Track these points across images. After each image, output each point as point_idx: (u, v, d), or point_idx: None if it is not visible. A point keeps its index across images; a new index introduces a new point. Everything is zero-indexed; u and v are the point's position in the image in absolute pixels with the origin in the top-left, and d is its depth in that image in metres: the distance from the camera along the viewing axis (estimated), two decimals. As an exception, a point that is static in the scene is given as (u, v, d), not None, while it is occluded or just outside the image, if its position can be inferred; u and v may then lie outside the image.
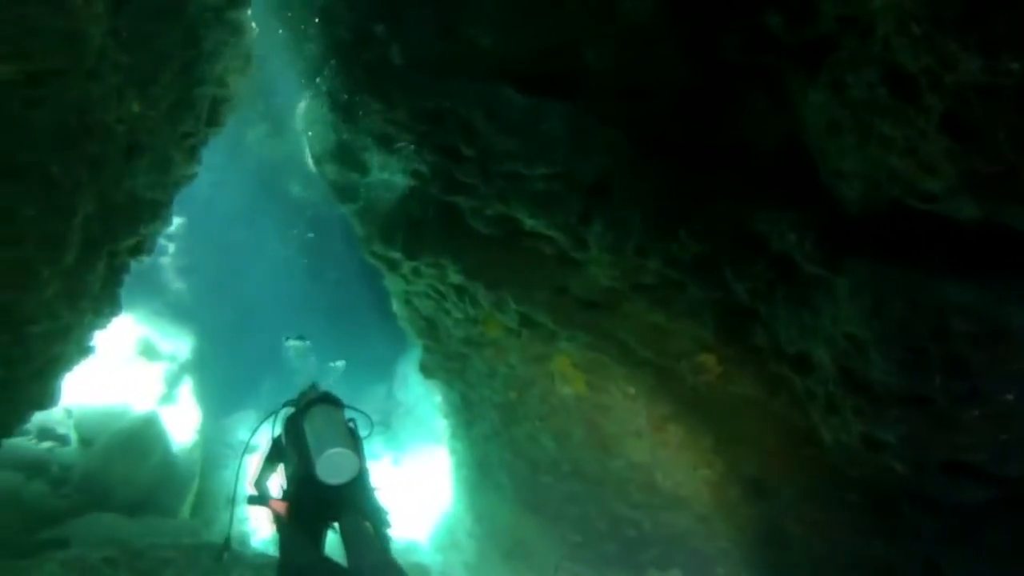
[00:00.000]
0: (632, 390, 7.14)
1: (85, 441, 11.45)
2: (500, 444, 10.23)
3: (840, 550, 5.55)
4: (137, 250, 6.98)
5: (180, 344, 16.46)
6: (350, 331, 20.94)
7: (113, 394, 12.57)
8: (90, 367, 12.55)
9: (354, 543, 4.38)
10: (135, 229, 6.22)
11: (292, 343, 7.15)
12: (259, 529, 13.98)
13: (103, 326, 7.47)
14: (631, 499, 8.28)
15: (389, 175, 7.63)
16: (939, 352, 3.92)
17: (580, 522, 9.17)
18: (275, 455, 5.18)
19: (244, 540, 13.20)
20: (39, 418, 11.29)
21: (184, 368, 15.81)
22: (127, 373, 13.61)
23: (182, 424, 13.90)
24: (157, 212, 6.88)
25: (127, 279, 7.67)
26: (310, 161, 9.76)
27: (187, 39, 6.61)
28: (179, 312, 17.71)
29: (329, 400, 5.10)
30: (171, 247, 18.59)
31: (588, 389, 7.53)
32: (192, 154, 8.48)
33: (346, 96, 6.71)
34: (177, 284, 18.48)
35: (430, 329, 10.02)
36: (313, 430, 4.68)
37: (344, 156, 7.91)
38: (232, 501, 5.65)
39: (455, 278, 8.01)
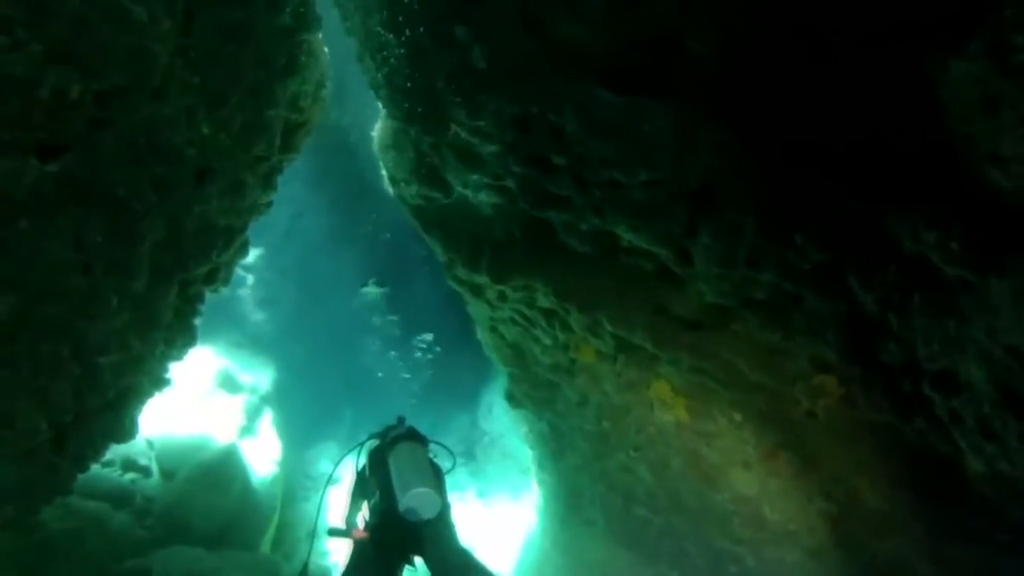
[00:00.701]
0: (739, 416, 6.55)
1: (166, 473, 11.46)
2: (591, 476, 9.76)
3: (981, 594, 4.86)
4: (212, 279, 6.77)
5: (260, 376, 16.46)
6: (433, 359, 20.73)
7: (194, 426, 12.57)
8: (170, 399, 12.65)
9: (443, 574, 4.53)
10: (208, 257, 5.98)
11: (369, 289, 6.83)
12: (340, 564, 13.74)
13: (178, 358, 7.27)
14: (734, 533, 7.64)
15: (473, 193, 7.19)
16: None
17: (678, 558, 8.61)
18: (359, 488, 5.33)
19: (324, 575, 12.99)
20: (122, 449, 11.44)
21: (264, 400, 15.78)
22: (207, 405, 13.63)
23: (262, 456, 13.80)
24: (231, 239, 6.66)
25: (204, 310, 7.53)
26: (388, 186, 9.48)
27: (258, 60, 6.40)
28: (259, 343, 17.75)
29: (414, 437, 5.23)
30: (250, 278, 18.72)
31: (689, 416, 6.96)
32: (267, 181, 8.32)
33: (426, 107, 6.32)
34: (257, 315, 18.56)
35: (516, 357, 9.60)
36: (397, 467, 4.81)
37: (424, 175, 7.47)
38: (312, 534, 5.94)
39: (544, 302, 7.57)
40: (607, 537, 9.92)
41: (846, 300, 4.59)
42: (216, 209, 6.01)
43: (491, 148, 6.08)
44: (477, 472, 18.15)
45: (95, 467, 11.11)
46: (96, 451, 5.41)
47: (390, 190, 9.53)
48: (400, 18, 5.99)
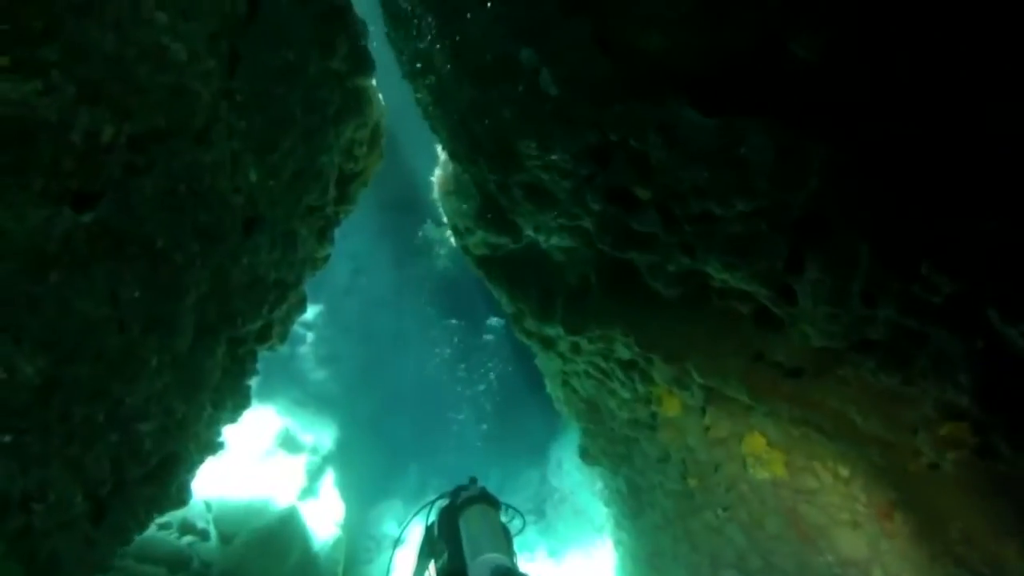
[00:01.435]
0: (845, 471, 5.82)
1: (225, 537, 11.09)
2: (675, 536, 9.03)
3: None
4: (265, 337, 6.36)
5: (322, 435, 16.10)
6: (501, 415, 20.18)
7: (254, 488, 12.22)
8: (230, 460, 12.37)
9: None
10: (258, 312, 5.57)
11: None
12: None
13: (231, 420, 6.87)
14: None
15: (545, 237, 6.61)
16: None
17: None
18: (427, 547, 5.25)
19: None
20: (180, 512, 11.13)
21: (327, 460, 15.39)
22: (268, 466, 13.28)
23: (324, 518, 13.33)
24: (284, 294, 6.26)
25: (263, 369, 7.18)
26: (451, 237, 9.06)
27: (308, 104, 6.08)
28: (321, 402, 17.43)
29: (486, 499, 5.11)
30: (310, 335, 18.50)
31: (787, 472, 6.22)
32: (323, 234, 8.01)
33: (492, 143, 5.80)
34: (318, 373, 18.25)
35: (591, 411, 9.00)
36: (469, 531, 4.73)
37: (491, 220, 6.91)
38: None
39: (624, 353, 6.96)
40: (694, 603, 9.16)
41: (983, 335, 3.89)
42: (266, 261, 5.62)
43: (566, 184, 5.49)
44: (547, 530, 17.33)
45: (152, 530, 10.85)
46: (140, 523, 4.97)
47: (452, 241, 9.12)
48: (459, 45, 5.53)
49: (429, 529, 5.39)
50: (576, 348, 7.88)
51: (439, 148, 8.54)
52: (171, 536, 10.57)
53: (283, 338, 8.26)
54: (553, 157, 5.20)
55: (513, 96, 5.12)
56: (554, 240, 6.49)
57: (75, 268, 3.92)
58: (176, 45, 4.21)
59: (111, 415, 4.25)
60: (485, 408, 20.73)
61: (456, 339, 21.25)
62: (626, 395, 8.02)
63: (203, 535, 11.00)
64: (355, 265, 19.96)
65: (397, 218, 20.09)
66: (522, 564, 5.41)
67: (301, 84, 5.93)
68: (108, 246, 4.07)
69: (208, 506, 11.44)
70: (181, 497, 5.95)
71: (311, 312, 17.99)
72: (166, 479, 5.01)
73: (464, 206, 7.43)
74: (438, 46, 5.90)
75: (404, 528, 6.31)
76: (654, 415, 7.74)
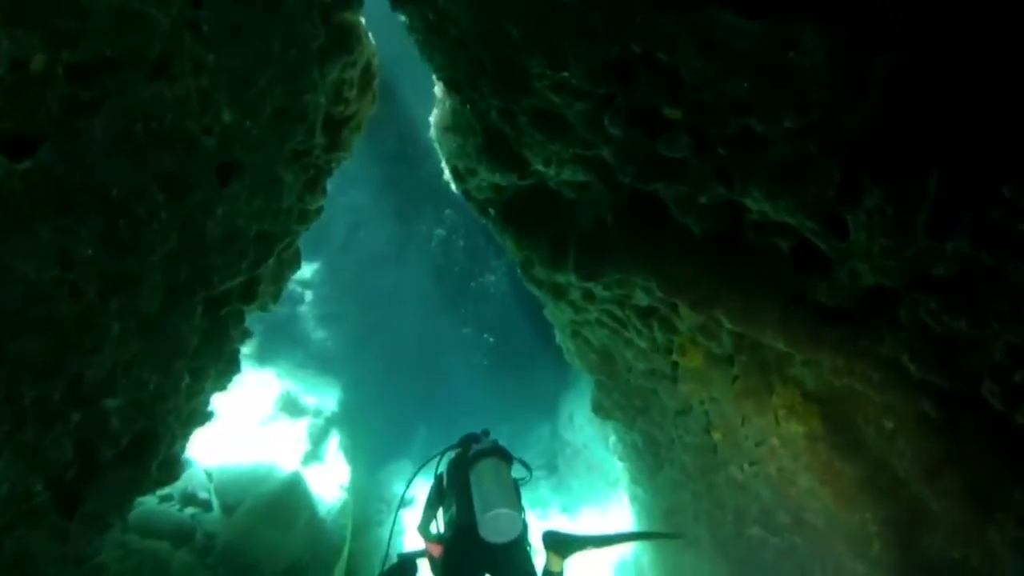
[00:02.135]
0: (891, 425, 5.25)
1: (227, 508, 10.72)
2: (696, 492, 8.63)
3: None
4: (250, 296, 5.79)
5: (325, 397, 15.65)
6: (509, 369, 19.73)
7: (256, 455, 11.84)
8: (230, 427, 11.95)
9: None
10: (237, 268, 4.98)
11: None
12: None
13: (220, 388, 6.36)
14: (873, 556, 6.35)
15: (555, 171, 5.92)
16: None
17: (801, 581, 7.37)
18: (436, 497, 5.30)
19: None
20: (181, 483, 10.79)
21: (331, 422, 14.95)
22: (270, 432, 12.88)
23: (330, 483, 12.95)
24: (269, 248, 5.67)
25: (261, 332, 6.65)
26: (451, 181, 8.43)
27: (288, 38, 5.43)
28: (323, 363, 16.93)
29: (498, 452, 5.07)
30: (308, 294, 17.92)
31: (824, 426, 5.69)
32: (315, 184, 7.41)
33: (495, 63, 5.05)
34: (319, 333, 17.70)
35: (605, 363, 8.47)
36: (480, 484, 4.69)
37: (494, 155, 6.20)
38: (384, 558, 5.48)
39: (643, 299, 6.36)
40: (717, 559, 8.84)
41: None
42: (246, 212, 5.02)
43: (580, 106, 4.77)
44: (560, 486, 16.99)
45: (153, 503, 10.48)
46: (119, 509, 4.47)
47: (453, 187, 8.50)
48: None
49: (439, 479, 5.38)
50: (589, 296, 7.31)
51: (437, 89, 7.88)
52: (173, 508, 10.25)
53: (276, 297, 7.72)
54: (565, 75, 4.50)
55: (519, 7, 4.44)
56: (566, 174, 5.80)
57: (14, 225, 3.35)
58: (121, -39, 3.58)
59: (70, 393, 3.72)
60: (483, 364, 20.31)
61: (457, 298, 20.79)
62: (643, 345, 7.48)
63: (206, 506, 10.67)
64: (354, 219, 19.30)
65: (397, 170, 19.39)
66: (535, 521, 5.31)
67: (279, 16, 5.27)
68: (53, 198, 3.49)
69: (209, 475, 11.10)
70: (168, 475, 5.47)
71: (309, 270, 17.43)
72: (144, 458, 4.49)
73: (464, 143, 6.76)
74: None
75: (409, 484, 6.16)
76: (675, 365, 7.20)
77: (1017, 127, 3.24)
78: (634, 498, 11.12)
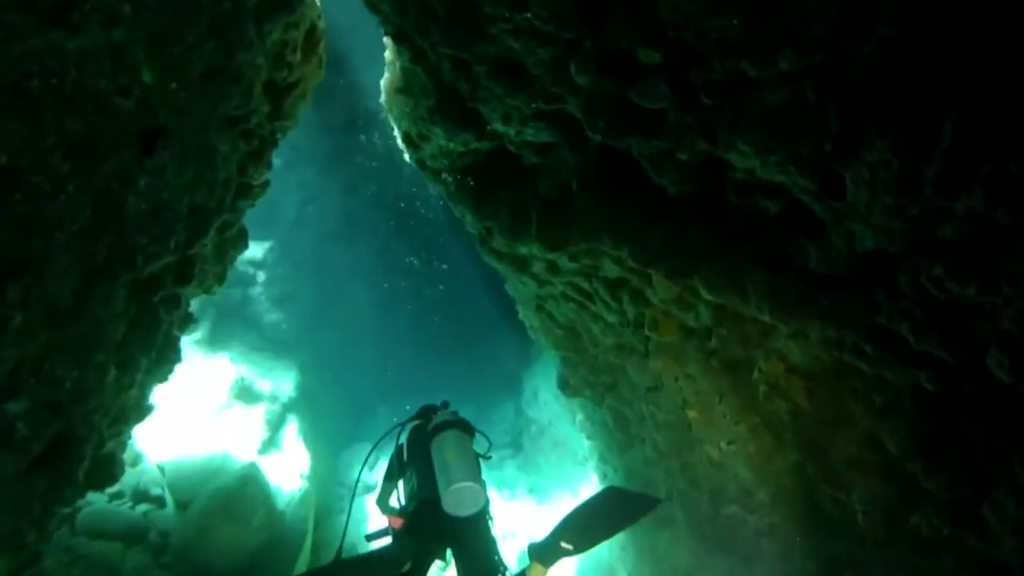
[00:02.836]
0: (880, 400, 4.93)
1: (181, 503, 10.19)
2: (669, 471, 8.29)
3: None
4: (185, 277, 5.25)
5: (282, 381, 15.05)
6: (471, 346, 19.30)
7: (210, 446, 11.30)
8: (181, 418, 11.38)
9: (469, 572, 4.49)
10: (165, 246, 4.44)
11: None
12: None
13: (161, 379, 5.83)
14: (859, 535, 6.10)
15: (516, 129, 5.33)
16: None
17: (785, 563, 7.10)
18: (396, 470, 5.21)
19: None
20: (132, 479, 10.32)
21: (288, 408, 14.41)
22: (224, 420, 12.31)
23: (288, 472, 12.44)
24: (204, 223, 5.13)
25: (213, 316, 6.13)
26: (403, 149, 7.92)
27: (217, -14, 4.88)
28: (278, 346, 16.28)
29: (461, 426, 4.99)
30: (260, 275, 17.19)
31: (810, 402, 5.35)
32: (259, 157, 6.87)
33: (446, 6, 4.46)
34: (272, 315, 17.00)
35: (570, 339, 8.09)
36: (442, 457, 4.62)
37: (448, 111, 5.63)
38: (339, 548, 5.20)
39: (612, 270, 5.93)
40: (692, 539, 8.55)
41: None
42: (175, 184, 4.47)
43: (543, 53, 4.23)
44: (526, 465, 16.60)
45: (103, 502, 9.90)
46: (37, 524, 3.94)
47: (407, 156, 8.00)
48: None
49: (398, 450, 5.26)
50: (554, 268, 6.88)
51: (387, 53, 7.34)
52: (124, 506, 9.78)
53: (221, 279, 7.18)
54: (527, 16, 3.98)
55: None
56: (528, 134, 5.27)
57: None
58: None
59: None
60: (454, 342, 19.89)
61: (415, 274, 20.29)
62: (612, 319, 7.10)
63: (159, 502, 10.21)
64: (304, 195, 18.57)
65: (346, 141, 18.69)
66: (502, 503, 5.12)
67: (205, -38, 4.71)
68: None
69: (162, 470, 10.62)
70: (101, 479, 4.95)
71: (260, 249, 16.72)
72: (65, 465, 3.96)
73: (416, 105, 6.22)
74: None
75: (364, 463, 6.07)
76: (646, 340, 6.82)
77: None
78: (604, 477, 10.80)
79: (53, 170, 3.39)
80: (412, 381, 19.36)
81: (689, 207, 4.59)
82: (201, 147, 4.86)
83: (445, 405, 5.70)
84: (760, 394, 5.76)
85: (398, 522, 4.88)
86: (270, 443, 12.86)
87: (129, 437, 5.80)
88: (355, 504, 7.30)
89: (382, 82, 7.34)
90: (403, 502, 5.02)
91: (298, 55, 6.91)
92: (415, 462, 4.93)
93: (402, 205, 19.77)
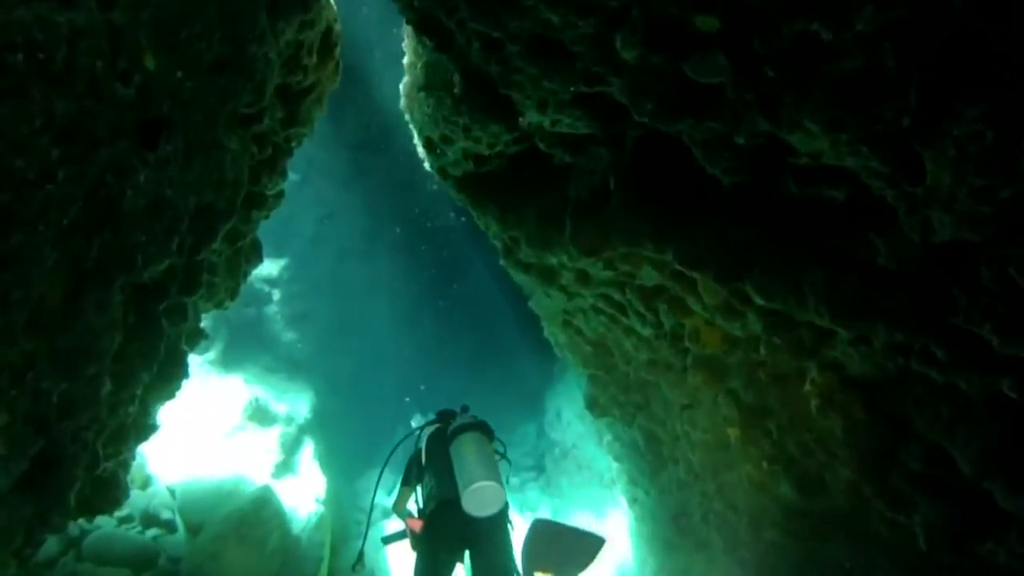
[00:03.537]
0: (946, 411, 4.47)
1: (192, 528, 9.81)
2: (704, 492, 7.88)
3: None
4: (192, 285, 4.88)
5: (297, 403, 14.69)
6: (491, 366, 18.90)
7: (223, 468, 10.95)
8: (193, 440, 11.04)
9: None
10: (167, 248, 4.08)
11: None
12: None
13: (167, 396, 5.47)
14: (915, 559, 5.59)
15: (551, 117, 4.80)
16: None
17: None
18: (412, 475, 5.30)
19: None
20: (141, 502, 10.00)
21: (304, 430, 14.03)
22: (238, 442, 11.97)
23: (304, 496, 12.05)
24: (210, 227, 4.78)
25: (227, 336, 5.87)
26: (424, 158, 7.58)
27: (228, -27, 4.57)
28: (294, 367, 15.92)
29: (481, 429, 5.08)
30: (276, 293, 16.85)
31: (868, 415, 4.89)
32: (273, 165, 6.58)
33: None
34: (288, 335, 16.64)
35: (600, 355, 7.72)
36: (462, 458, 4.68)
37: (478, 100, 5.19)
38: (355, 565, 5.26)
39: (649, 277, 5.52)
40: (732, 565, 8.06)
41: None
42: (179, 180, 4.12)
43: (584, 27, 3.79)
44: (549, 487, 16.11)
45: (111, 526, 9.55)
46: (19, 553, 3.55)
47: (427, 164, 7.66)
48: None
49: (415, 456, 5.33)
50: (584, 278, 6.50)
51: (406, 57, 7.02)
52: (133, 531, 9.37)
53: (234, 294, 6.87)
54: None
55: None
56: (565, 123, 4.85)
57: None
58: None
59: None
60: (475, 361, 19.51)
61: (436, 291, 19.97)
62: (646, 332, 6.69)
63: (169, 526, 9.81)
64: (323, 212, 18.31)
65: (367, 158, 18.46)
66: (520, 523, 5.20)
67: (215, -55, 4.41)
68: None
69: (173, 493, 10.26)
70: (100, 503, 4.57)
71: (275, 267, 16.41)
72: (53, 488, 3.57)
73: (439, 103, 5.84)
74: None
75: (381, 474, 6.03)
76: (685, 353, 6.40)
77: None
78: (634, 500, 10.37)
79: (39, 155, 3.04)
80: (431, 402, 18.95)
81: (740, 201, 4.18)
82: (208, 143, 4.52)
83: (464, 409, 5.76)
84: (812, 408, 5.30)
85: (417, 524, 4.88)
86: (285, 466, 12.48)
87: (133, 458, 5.43)
88: (372, 530, 6.92)
89: (401, 86, 7.01)
90: (421, 505, 5.07)
91: (314, 58, 6.64)
92: (434, 465, 4.98)
93: (428, 225, 19.54)
